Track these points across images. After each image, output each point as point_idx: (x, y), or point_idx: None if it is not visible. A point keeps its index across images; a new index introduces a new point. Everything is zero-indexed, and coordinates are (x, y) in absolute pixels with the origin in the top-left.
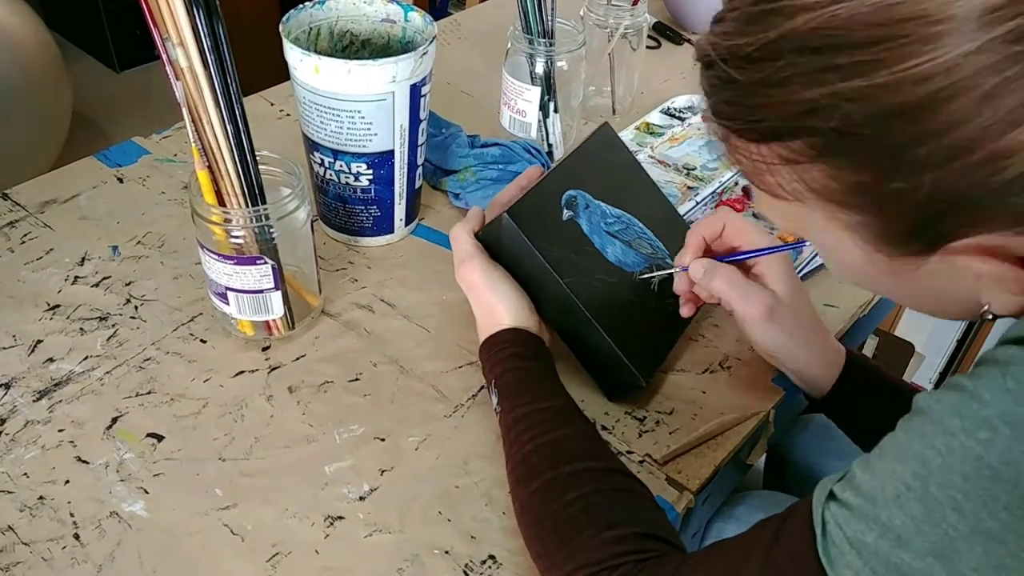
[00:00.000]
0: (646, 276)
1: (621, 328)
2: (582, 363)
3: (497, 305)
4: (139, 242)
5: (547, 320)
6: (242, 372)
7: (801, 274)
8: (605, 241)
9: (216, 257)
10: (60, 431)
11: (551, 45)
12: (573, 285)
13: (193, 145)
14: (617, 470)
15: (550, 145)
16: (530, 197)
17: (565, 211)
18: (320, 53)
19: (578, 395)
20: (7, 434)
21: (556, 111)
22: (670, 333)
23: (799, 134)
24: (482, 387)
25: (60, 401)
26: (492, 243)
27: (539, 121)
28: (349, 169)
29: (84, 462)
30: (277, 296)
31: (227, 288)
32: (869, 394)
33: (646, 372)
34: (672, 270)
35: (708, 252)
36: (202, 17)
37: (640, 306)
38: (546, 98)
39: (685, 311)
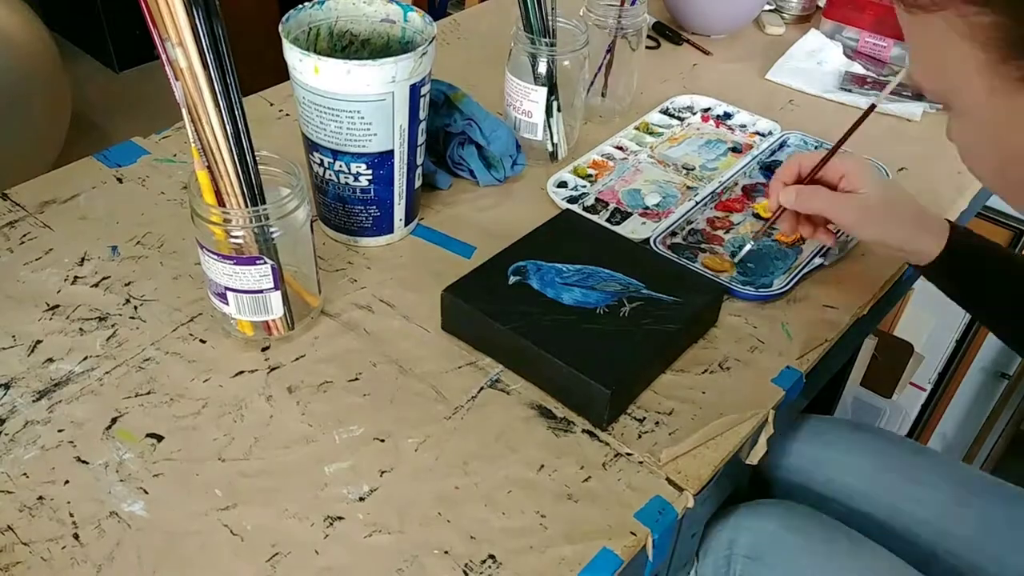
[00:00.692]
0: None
1: (575, 349)
2: (559, 400)
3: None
4: (139, 242)
5: (516, 371)
6: (242, 372)
7: (798, 276)
8: (560, 291)
9: (216, 257)
10: (60, 431)
11: (553, 45)
12: (519, 328)
13: (193, 145)
14: None
15: (554, 145)
16: (471, 275)
17: (512, 277)
18: (320, 53)
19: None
20: (7, 434)
21: (559, 111)
22: (649, 347)
23: None
24: (482, 388)
25: (60, 401)
26: (450, 319)
27: (544, 121)
28: (348, 169)
29: (84, 462)
30: (277, 296)
31: (227, 288)
32: (971, 258)
33: (609, 380)
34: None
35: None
36: (201, 17)
37: (603, 331)
38: (550, 98)
39: (801, 232)
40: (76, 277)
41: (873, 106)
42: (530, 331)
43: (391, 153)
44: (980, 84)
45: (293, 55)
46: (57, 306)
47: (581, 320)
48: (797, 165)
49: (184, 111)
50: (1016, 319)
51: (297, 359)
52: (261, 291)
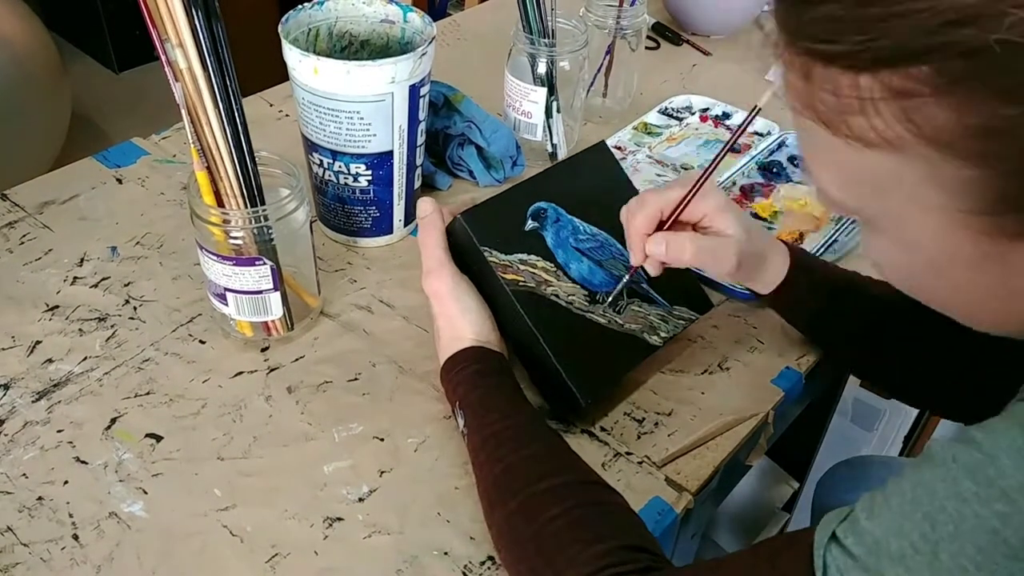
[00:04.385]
0: (611, 294)
1: (566, 343)
2: (529, 376)
3: (460, 317)
4: (138, 243)
5: (501, 330)
6: (241, 373)
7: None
8: (570, 256)
9: (215, 258)
10: (59, 432)
11: (552, 45)
12: (520, 294)
13: (192, 146)
14: (593, 482)
15: (554, 146)
16: (493, 203)
17: (530, 222)
18: (319, 54)
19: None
20: (6, 435)
21: (559, 111)
22: (630, 356)
23: (932, 56)
24: None
25: (59, 402)
26: (450, 243)
27: (543, 122)
28: (348, 170)
29: (83, 463)
30: (276, 297)
31: (226, 289)
32: (811, 284)
33: (588, 392)
34: (624, 280)
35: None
36: (201, 18)
37: (596, 325)
38: (550, 98)
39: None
40: (76, 278)
41: (736, 137)
42: (530, 303)
43: (390, 154)
44: (934, 229)
45: (292, 56)
46: (57, 307)
47: (581, 304)
48: (657, 209)
49: (184, 112)
50: (857, 342)
51: (296, 360)
52: (260, 292)
